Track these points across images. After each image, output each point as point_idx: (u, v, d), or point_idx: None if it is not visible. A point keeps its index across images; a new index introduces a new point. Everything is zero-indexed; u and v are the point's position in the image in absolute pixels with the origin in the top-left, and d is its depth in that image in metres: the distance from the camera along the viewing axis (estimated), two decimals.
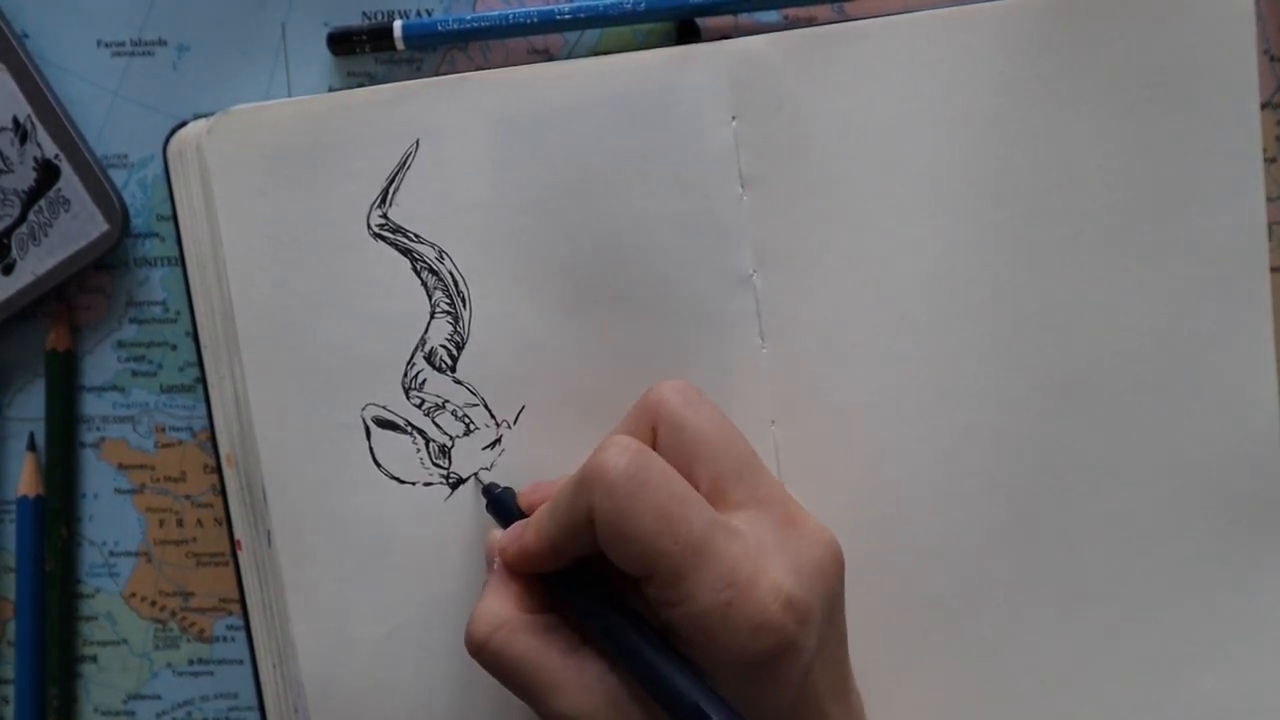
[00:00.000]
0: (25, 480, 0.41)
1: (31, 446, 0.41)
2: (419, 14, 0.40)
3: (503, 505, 0.36)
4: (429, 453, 0.37)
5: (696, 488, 0.32)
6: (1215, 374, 0.38)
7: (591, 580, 0.33)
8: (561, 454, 0.37)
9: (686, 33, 0.40)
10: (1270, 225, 0.40)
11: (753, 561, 0.30)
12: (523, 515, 0.35)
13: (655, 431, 0.33)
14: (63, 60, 0.40)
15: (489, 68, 0.39)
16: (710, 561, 0.30)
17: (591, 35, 0.40)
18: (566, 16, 0.39)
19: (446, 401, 0.37)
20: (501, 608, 0.33)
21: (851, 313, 0.38)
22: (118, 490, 0.41)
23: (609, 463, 0.30)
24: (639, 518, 0.30)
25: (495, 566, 0.34)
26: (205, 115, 0.39)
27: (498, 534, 0.35)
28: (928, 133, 0.38)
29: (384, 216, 0.37)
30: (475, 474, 0.37)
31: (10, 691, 0.41)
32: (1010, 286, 0.38)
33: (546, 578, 0.33)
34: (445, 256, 0.37)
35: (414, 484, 0.37)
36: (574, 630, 0.33)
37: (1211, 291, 0.38)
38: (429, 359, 0.37)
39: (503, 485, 0.36)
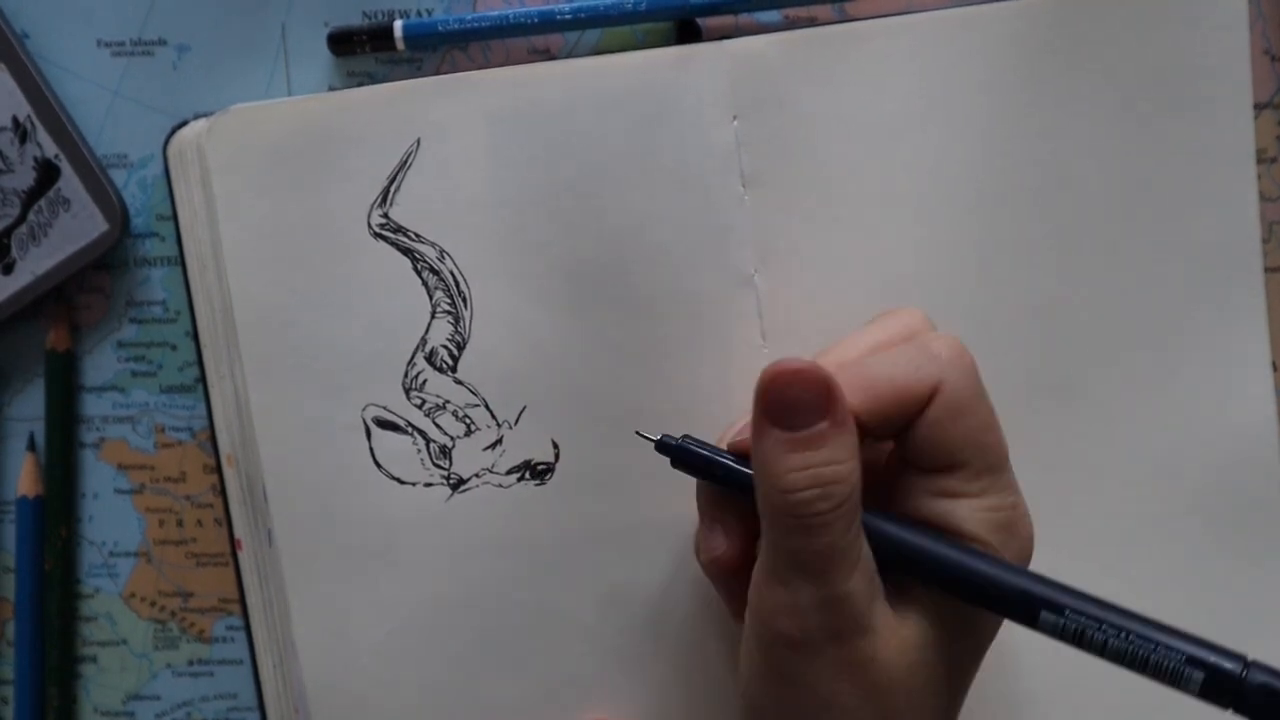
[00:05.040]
0: (25, 480, 0.41)
1: (31, 446, 0.41)
2: (419, 14, 0.40)
3: (693, 455, 0.32)
4: (429, 453, 0.37)
5: None
6: (1212, 373, 0.38)
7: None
8: (564, 454, 0.37)
9: (687, 33, 0.40)
10: (1270, 225, 0.40)
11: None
12: (716, 457, 0.32)
13: (938, 387, 0.30)
14: (63, 60, 0.40)
15: (489, 68, 0.39)
16: (1008, 471, 0.31)
17: (592, 35, 0.40)
18: (567, 16, 0.39)
19: (447, 402, 0.37)
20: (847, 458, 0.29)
21: (851, 313, 0.38)
22: (118, 490, 0.41)
23: (964, 350, 0.31)
24: (983, 406, 0.31)
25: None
26: (205, 115, 0.39)
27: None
28: (928, 132, 0.38)
29: (385, 216, 0.37)
30: (648, 434, 0.33)
31: (10, 691, 0.41)
32: (1008, 286, 0.38)
33: None
34: (446, 256, 0.37)
35: (414, 485, 0.37)
36: None
37: (1207, 291, 0.38)
38: (430, 359, 0.37)
39: (677, 437, 0.33)
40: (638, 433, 0.34)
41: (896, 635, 0.30)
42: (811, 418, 0.29)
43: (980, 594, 0.30)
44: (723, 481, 0.32)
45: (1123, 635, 0.29)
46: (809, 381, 0.29)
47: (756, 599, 0.31)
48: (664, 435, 0.33)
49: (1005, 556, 0.30)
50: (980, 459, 0.31)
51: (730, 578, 0.33)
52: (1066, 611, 0.29)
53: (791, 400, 0.29)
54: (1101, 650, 0.29)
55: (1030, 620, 0.29)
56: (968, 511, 0.31)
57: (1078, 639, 0.29)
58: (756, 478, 0.30)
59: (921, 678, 0.30)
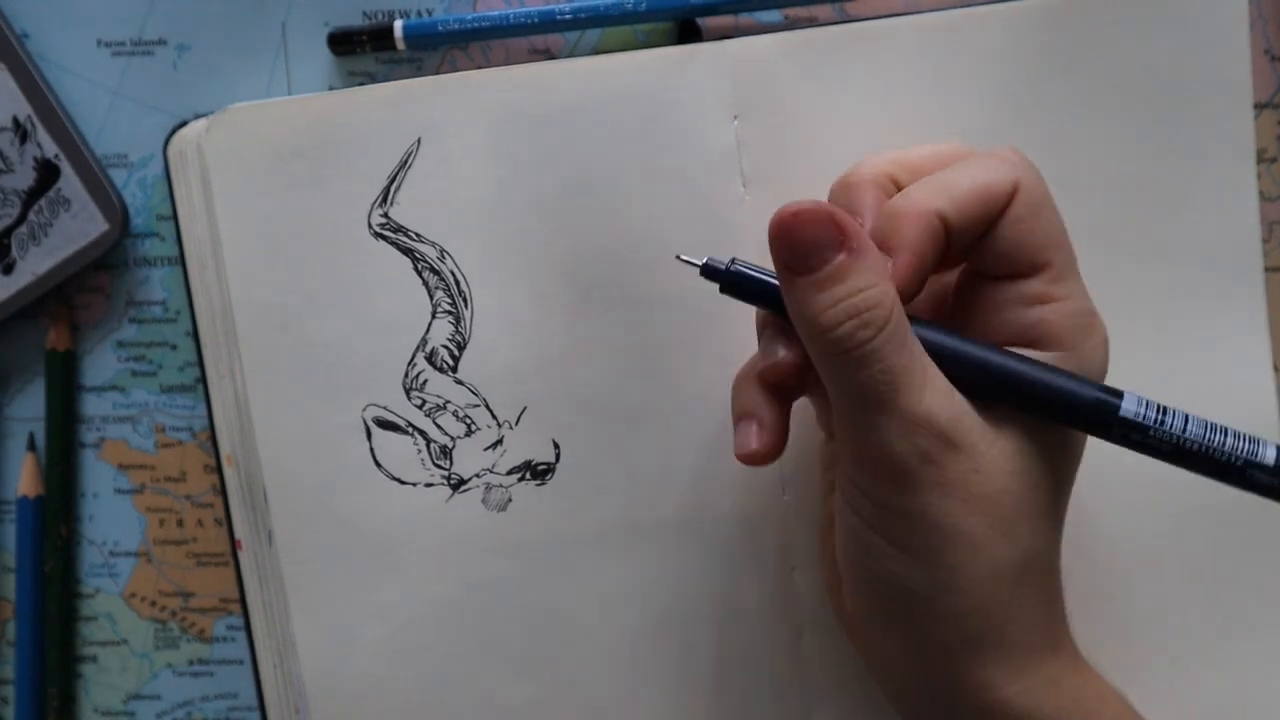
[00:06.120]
0: (25, 480, 0.41)
1: (31, 446, 0.41)
2: (419, 14, 0.40)
3: (746, 277, 0.31)
4: (430, 453, 0.37)
5: None
6: (1213, 373, 0.38)
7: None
8: (564, 454, 0.37)
9: (687, 33, 0.40)
10: (1270, 225, 0.40)
11: None
12: (767, 279, 0.31)
13: (1017, 185, 0.31)
14: (63, 60, 0.40)
15: (489, 68, 0.39)
16: (1081, 279, 0.31)
17: (592, 35, 0.40)
18: (567, 16, 0.39)
19: (448, 402, 0.37)
20: (888, 286, 0.29)
21: None
22: (118, 490, 0.41)
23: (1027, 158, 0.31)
24: (1054, 207, 0.31)
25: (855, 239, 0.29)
26: (205, 115, 0.39)
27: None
28: (928, 132, 0.37)
29: (385, 216, 0.37)
30: (691, 259, 0.32)
31: (10, 691, 0.41)
32: None
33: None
34: (447, 256, 0.37)
35: (415, 485, 0.37)
36: None
37: (1207, 291, 0.38)
38: (430, 359, 0.37)
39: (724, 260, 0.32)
40: (678, 256, 0.33)
41: (995, 445, 0.30)
42: (827, 254, 0.29)
43: (1052, 407, 0.30)
44: (773, 305, 0.31)
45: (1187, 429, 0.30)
46: (813, 221, 0.29)
47: (842, 456, 0.31)
48: (709, 259, 0.32)
49: (1092, 361, 0.31)
50: (1063, 257, 0.31)
51: (788, 393, 0.32)
52: (1138, 413, 0.30)
53: (803, 243, 0.29)
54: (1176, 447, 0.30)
55: (1104, 428, 0.30)
56: (1057, 316, 0.31)
57: (1150, 439, 0.30)
58: (798, 329, 0.30)
59: (1028, 484, 0.30)
